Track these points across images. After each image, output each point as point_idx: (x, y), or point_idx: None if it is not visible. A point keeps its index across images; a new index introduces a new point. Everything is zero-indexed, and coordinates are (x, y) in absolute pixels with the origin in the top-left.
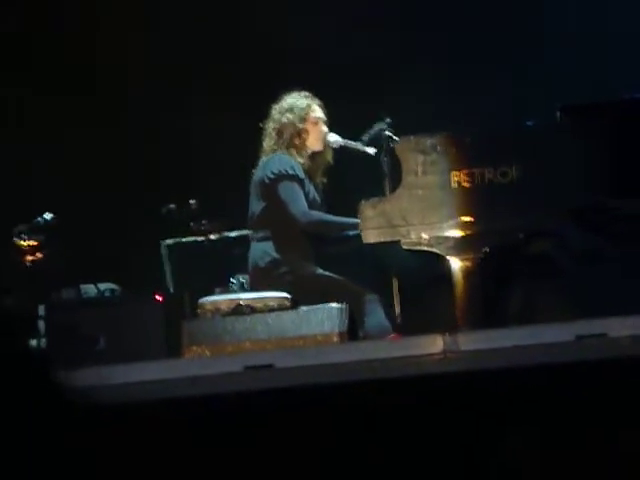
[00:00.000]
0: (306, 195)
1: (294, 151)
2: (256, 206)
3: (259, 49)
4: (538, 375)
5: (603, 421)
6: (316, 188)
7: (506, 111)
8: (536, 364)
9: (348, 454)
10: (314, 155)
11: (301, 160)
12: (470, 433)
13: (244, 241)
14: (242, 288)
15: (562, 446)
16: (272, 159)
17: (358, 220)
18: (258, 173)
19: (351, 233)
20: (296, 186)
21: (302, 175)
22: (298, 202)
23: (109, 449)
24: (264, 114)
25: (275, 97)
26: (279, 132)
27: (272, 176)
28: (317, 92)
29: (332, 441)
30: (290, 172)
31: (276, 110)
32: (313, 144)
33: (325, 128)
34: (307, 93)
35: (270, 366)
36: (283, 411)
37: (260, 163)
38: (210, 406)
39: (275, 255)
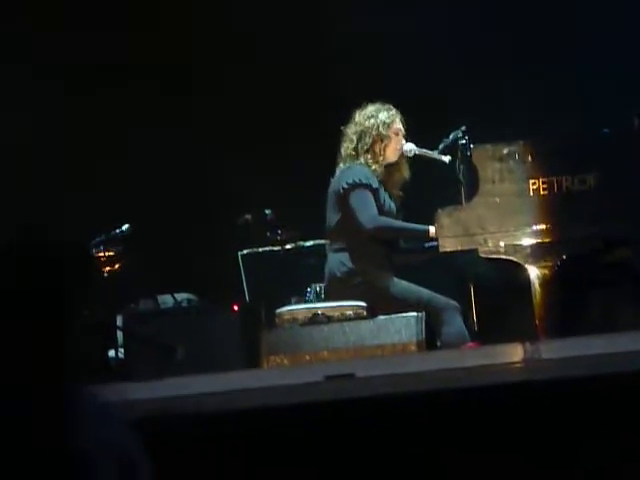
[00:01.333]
0: (380, 204)
1: (371, 158)
2: (332, 216)
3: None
4: (621, 383)
5: None
6: (392, 198)
7: (583, 118)
8: (618, 372)
9: (430, 462)
10: (390, 167)
11: (377, 168)
12: (555, 440)
13: (319, 251)
14: (318, 297)
15: None
16: (347, 170)
17: (427, 226)
18: (334, 184)
19: (427, 245)
20: (368, 194)
21: (376, 184)
22: (368, 209)
23: (192, 459)
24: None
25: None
26: (360, 136)
27: (346, 186)
28: (396, 103)
29: (415, 450)
30: (364, 181)
31: (360, 115)
32: (391, 154)
33: (403, 140)
34: (390, 106)
35: (351, 375)
36: (366, 420)
37: (336, 173)
38: (292, 415)
39: (351, 265)
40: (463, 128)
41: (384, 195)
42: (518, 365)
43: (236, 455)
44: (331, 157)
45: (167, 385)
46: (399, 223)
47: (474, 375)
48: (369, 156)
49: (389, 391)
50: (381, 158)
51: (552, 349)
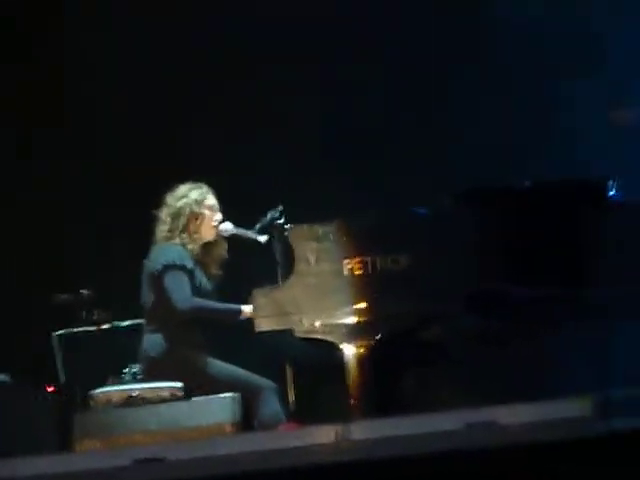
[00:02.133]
0: (195, 285)
1: (187, 238)
2: (147, 297)
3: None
4: (429, 463)
5: None
6: (208, 278)
7: (396, 199)
8: (427, 452)
9: None
10: (207, 246)
11: (193, 247)
12: None
13: (136, 330)
14: (135, 378)
15: None
16: (161, 250)
17: (239, 306)
18: (148, 265)
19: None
20: (182, 275)
21: (190, 265)
22: (181, 290)
23: None
24: (156, 204)
25: (169, 187)
26: (174, 217)
27: (160, 267)
28: (210, 183)
29: None
30: (178, 262)
31: (171, 197)
32: (206, 232)
33: (219, 216)
34: (201, 184)
35: (161, 460)
36: None
37: (151, 253)
38: None
39: (165, 345)
40: (280, 208)
41: (200, 275)
42: (329, 446)
43: None
44: (148, 236)
45: None
46: (212, 304)
47: (286, 457)
48: (184, 235)
49: (199, 474)
50: (197, 236)
51: (362, 429)
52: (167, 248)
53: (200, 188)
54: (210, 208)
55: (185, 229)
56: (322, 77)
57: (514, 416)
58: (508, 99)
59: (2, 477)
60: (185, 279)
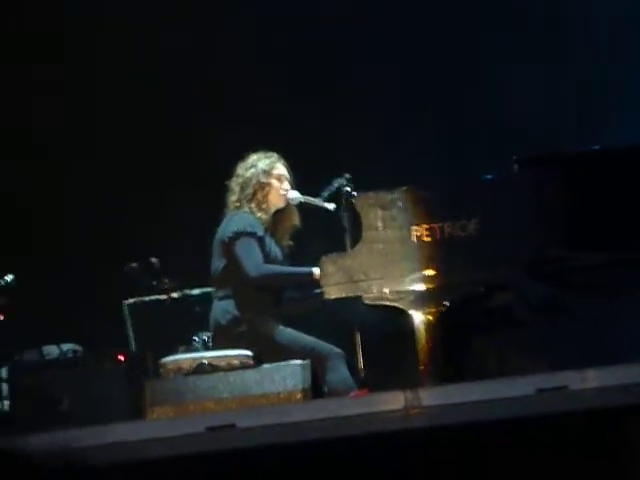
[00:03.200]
0: (266, 252)
1: (256, 207)
2: (217, 264)
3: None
4: (499, 429)
5: (566, 474)
6: (279, 246)
7: (463, 165)
8: (497, 419)
9: None
10: (278, 214)
11: (262, 216)
12: None
13: (206, 299)
14: (205, 346)
15: None
16: (232, 218)
17: (310, 269)
18: (219, 232)
19: (314, 291)
20: (253, 242)
21: (261, 232)
22: (252, 257)
23: None
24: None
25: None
26: (242, 186)
27: (231, 234)
28: (279, 151)
29: None
30: (248, 229)
31: (241, 167)
32: (275, 200)
33: (288, 186)
34: (272, 153)
35: (232, 426)
36: (245, 471)
37: (222, 222)
38: (173, 468)
39: (236, 313)
40: (347, 175)
41: (270, 243)
42: (398, 413)
43: None
44: (218, 206)
45: (51, 437)
46: (283, 268)
47: (355, 423)
48: (253, 205)
49: (269, 441)
50: (265, 206)
51: (431, 396)
52: (238, 216)
53: (269, 157)
54: (278, 178)
55: (253, 198)
56: (386, 43)
57: (585, 381)
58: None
59: (75, 446)
60: (256, 246)
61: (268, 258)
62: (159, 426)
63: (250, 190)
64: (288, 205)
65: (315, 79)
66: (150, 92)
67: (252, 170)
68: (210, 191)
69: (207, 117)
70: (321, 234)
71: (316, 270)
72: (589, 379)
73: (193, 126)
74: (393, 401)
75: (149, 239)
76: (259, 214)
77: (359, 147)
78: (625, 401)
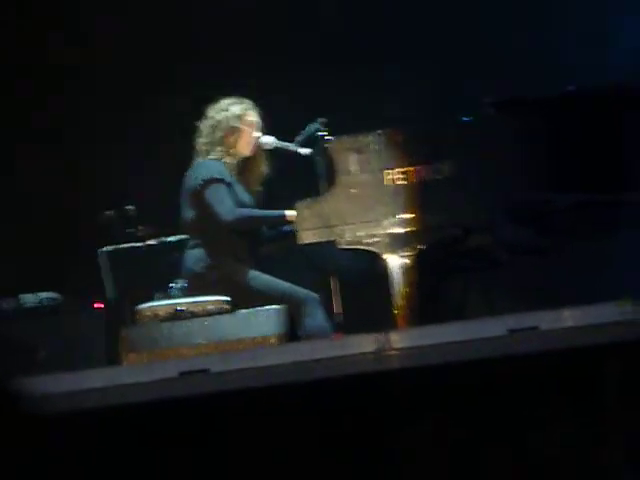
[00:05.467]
0: (235, 197)
1: (225, 152)
2: (188, 213)
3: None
4: (472, 370)
5: (536, 414)
6: (249, 193)
7: (439, 107)
8: (469, 359)
9: (284, 454)
10: (247, 161)
11: (230, 161)
12: (403, 430)
13: (183, 246)
14: (182, 293)
15: (495, 439)
16: (201, 165)
17: (283, 211)
18: (188, 180)
19: (286, 229)
20: (223, 188)
21: (229, 179)
22: (224, 203)
23: (49, 458)
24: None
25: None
26: (213, 129)
27: (201, 182)
28: (252, 96)
29: (269, 443)
30: (217, 176)
31: (213, 109)
32: (244, 147)
33: (259, 134)
34: (245, 99)
35: (205, 371)
36: (218, 416)
37: (190, 168)
38: (146, 413)
39: (209, 260)
40: (321, 120)
41: (239, 190)
42: (370, 355)
43: (93, 453)
44: (189, 152)
45: (27, 384)
46: (256, 211)
47: (328, 366)
48: (222, 149)
49: (242, 385)
50: (234, 151)
51: (403, 339)
52: (206, 163)
53: (242, 103)
54: (250, 124)
55: (222, 142)
56: None
57: (557, 321)
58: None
59: (53, 392)
60: (226, 191)
61: (238, 203)
62: (133, 372)
63: (220, 133)
64: (258, 152)
65: (289, 21)
66: (120, 41)
67: (224, 113)
68: (187, 137)
69: (178, 68)
70: (296, 180)
71: (289, 212)
72: (561, 319)
73: (167, 72)
74: (365, 344)
75: (125, 187)
76: (227, 159)
77: (334, 91)
78: (598, 341)
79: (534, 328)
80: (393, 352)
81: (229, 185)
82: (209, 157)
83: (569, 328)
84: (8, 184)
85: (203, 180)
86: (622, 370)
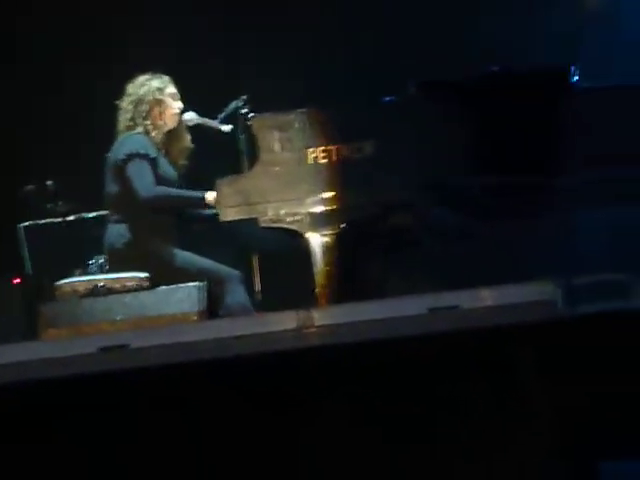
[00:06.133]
0: (160, 173)
1: (150, 126)
2: (110, 187)
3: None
4: (392, 348)
5: (457, 393)
6: (173, 166)
7: (363, 86)
8: (389, 337)
9: (200, 433)
10: (171, 135)
11: (156, 134)
12: (321, 408)
13: (102, 222)
14: (101, 270)
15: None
16: (125, 140)
17: (203, 192)
18: (111, 155)
19: (207, 212)
20: (145, 164)
21: (154, 154)
22: (144, 179)
23: None
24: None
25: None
26: (136, 104)
27: (124, 157)
28: (171, 72)
29: (187, 420)
30: (141, 152)
31: (132, 86)
32: (169, 119)
33: (180, 104)
34: (161, 74)
35: (125, 346)
36: (137, 391)
37: (115, 144)
38: (65, 387)
39: (130, 236)
40: (244, 97)
41: (164, 164)
42: (291, 332)
43: (9, 428)
44: (111, 127)
45: None
46: (175, 191)
47: (247, 343)
48: (148, 122)
49: (162, 361)
50: (161, 123)
51: (324, 316)
52: (130, 137)
53: (160, 77)
54: (172, 96)
55: (148, 116)
56: None
57: (477, 300)
58: None
59: None
60: (148, 168)
61: (162, 179)
62: (52, 347)
63: (145, 107)
64: (180, 126)
65: None
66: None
67: (145, 88)
68: (106, 112)
69: (96, 37)
70: (217, 156)
71: (209, 194)
72: (481, 298)
73: (87, 42)
74: (287, 321)
75: (44, 161)
76: (153, 133)
77: (258, 68)
78: (515, 320)
79: (454, 307)
80: (314, 329)
81: (153, 160)
82: (134, 132)
83: (489, 307)
84: None
85: (125, 155)
86: (537, 349)
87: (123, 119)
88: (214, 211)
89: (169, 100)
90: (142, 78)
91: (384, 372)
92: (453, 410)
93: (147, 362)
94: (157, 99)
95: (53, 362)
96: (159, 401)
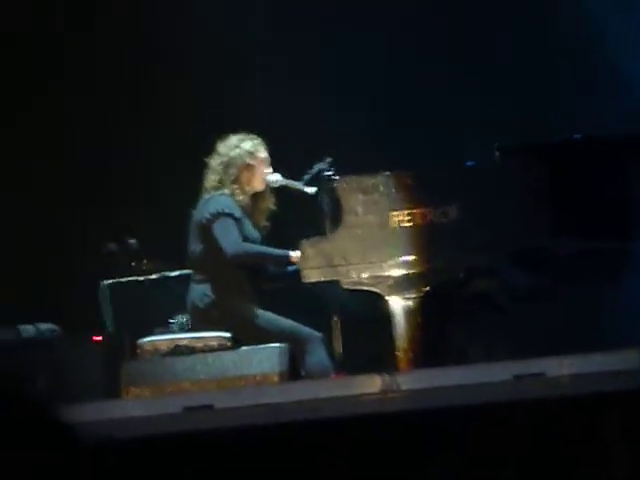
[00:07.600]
0: (244, 234)
1: (237, 188)
2: (195, 247)
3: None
4: (476, 414)
5: (542, 460)
6: (257, 229)
7: (446, 152)
8: (474, 403)
9: None
10: (255, 197)
11: (242, 198)
12: (408, 472)
13: (185, 281)
14: (182, 328)
15: None
16: (211, 200)
17: (287, 251)
18: (197, 214)
19: (290, 269)
20: (230, 222)
21: (239, 214)
22: (231, 236)
23: None
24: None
25: (220, 136)
26: (226, 166)
27: (209, 216)
28: (260, 133)
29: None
30: (227, 211)
31: (223, 146)
32: (257, 183)
33: (270, 169)
34: (254, 135)
35: (210, 407)
36: (222, 452)
37: (200, 203)
38: (150, 447)
39: (214, 296)
40: (328, 160)
41: (247, 225)
42: (375, 396)
43: None
44: (194, 187)
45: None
46: (262, 248)
47: (332, 406)
48: (235, 186)
49: (246, 422)
50: (248, 188)
51: (409, 380)
52: (215, 198)
53: (253, 140)
54: (262, 160)
55: (236, 180)
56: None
57: (562, 368)
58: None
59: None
60: (234, 225)
61: (246, 240)
62: (136, 405)
63: (234, 170)
64: (266, 187)
65: (297, 60)
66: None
67: (237, 150)
68: (190, 172)
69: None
70: (302, 218)
71: (294, 253)
72: (566, 366)
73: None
74: (370, 384)
75: (128, 220)
76: (240, 197)
77: (342, 131)
78: (601, 388)
79: (540, 374)
80: (399, 393)
81: (238, 220)
82: (220, 192)
83: (575, 375)
84: (10, 212)
85: (211, 214)
86: (623, 417)
87: (211, 178)
88: (297, 267)
89: (259, 165)
90: (235, 139)
91: (469, 438)
92: (539, 476)
93: (232, 423)
94: (247, 164)
95: (139, 421)
96: (246, 462)
